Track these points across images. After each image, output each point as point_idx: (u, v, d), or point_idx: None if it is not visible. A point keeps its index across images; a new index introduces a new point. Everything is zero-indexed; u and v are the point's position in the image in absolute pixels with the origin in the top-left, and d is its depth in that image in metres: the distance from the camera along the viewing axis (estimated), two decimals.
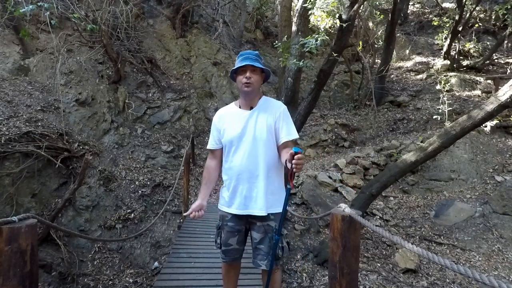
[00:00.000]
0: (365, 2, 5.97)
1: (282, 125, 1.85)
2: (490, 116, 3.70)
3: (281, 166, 1.94)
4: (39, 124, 5.16)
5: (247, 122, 1.85)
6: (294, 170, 1.57)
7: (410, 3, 13.80)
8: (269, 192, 1.84)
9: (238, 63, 1.82)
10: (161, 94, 8.24)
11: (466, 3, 9.56)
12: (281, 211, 1.89)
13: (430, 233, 5.49)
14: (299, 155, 1.54)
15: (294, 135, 1.87)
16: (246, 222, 1.91)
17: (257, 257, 1.90)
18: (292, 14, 7.23)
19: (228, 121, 1.91)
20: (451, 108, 7.87)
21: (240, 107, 1.93)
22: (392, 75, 10.90)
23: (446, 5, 13.13)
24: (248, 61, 1.77)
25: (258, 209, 1.82)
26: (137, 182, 6.00)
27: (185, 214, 1.97)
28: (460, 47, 10.72)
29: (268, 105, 1.91)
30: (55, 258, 4.47)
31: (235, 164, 1.85)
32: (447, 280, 4.41)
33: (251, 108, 1.89)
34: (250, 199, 1.83)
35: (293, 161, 1.54)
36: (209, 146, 2.02)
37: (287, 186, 1.73)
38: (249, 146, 1.82)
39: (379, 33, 11.44)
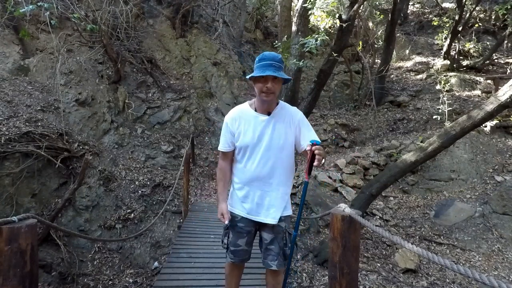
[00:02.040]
0: (365, 2, 5.97)
1: (302, 132, 1.81)
2: (490, 116, 3.70)
3: (294, 174, 1.95)
4: (39, 124, 5.16)
5: (264, 129, 1.78)
6: (315, 163, 1.57)
7: (410, 3, 13.80)
8: (281, 199, 1.83)
9: (259, 70, 1.67)
10: (161, 94, 8.24)
11: (466, 3, 9.56)
12: (290, 214, 1.91)
13: (430, 233, 5.49)
14: (316, 147, 1.54)
15: (317, 139, 1.82)
16: (256, 223, 1.90)
17: (267, 258, 1.89)
18: (292, 14, 7.23)
19: (243, 125, 1.81)
20: (451, 108, 7.87)
21: (255, 110, 1.84)
22: (392, 75, 10.90)
23: (446, 5, 13.13)
24: (271, 71, 1.64)
25: (270, 218, 1.81)
26: (137, 182, 6.00)
27: (227, 222, 1.86)
28: (460, 47, 10.72)
29: (286, 113, 1.84)
30: (55, 258, 4.47)
31: (249, 170, 1.81)
32: (447, 280, 4.41)
33: (269, 113, 1.81)
34: (262, 207, 1.82)
35: (315, 153, 1.55)
36: (221, 148, 1.91)
37: (304, 180, 1.74)
38: (265, 154, 1.78)
39: (379, 33, 11.44)
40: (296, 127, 1.81)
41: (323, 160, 1.58)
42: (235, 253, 1.93)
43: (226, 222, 1.86)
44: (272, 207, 1.81)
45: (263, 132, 1.78)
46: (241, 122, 1.82)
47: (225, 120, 1.89)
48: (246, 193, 1.84)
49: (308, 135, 1.80)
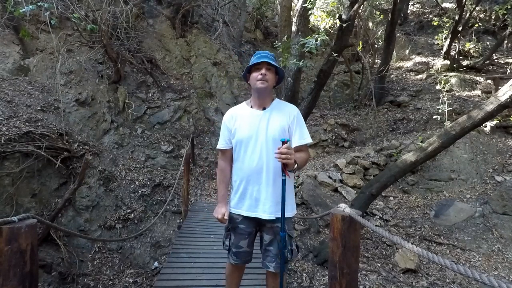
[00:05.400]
0: (365, 2, 5.97)
1: (296, 129, 1.83)
2: (490, 116, 3.70)
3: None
4: (39, 124, 5.16)
5: (260, 122, 1.81)
6: (278, 160, 1.62)
7: (410, 3, 13.80)
8: (279, 195, 1.80)
9: (254, 61, 1.81)
10: (161, 94, 8.24)
11: (466, 3, 9.56)
12: (292, 215, 1.89)
13: (430, 233, 5.49)
14: (285, 145, 1.59)
15: (308, 139, 1.84)
16: (257, 224, 1.89)
17: (266, 259, 1.89)
18: (292, 14, 7.24)
19: (240, 121, 1.86)
20: (451, 108, 7.87)
21: (251, 107, 1.89)
22: (392, 75, 10.90)
23: (446, 5, 13.13)
24: (265, 59, 1.78)
25: (267, 213, 1.79)
26: (137, 182, 6.00)
27: (225, 223, 1.90)
28: (460, 47, 10.72)
29: (281, 107, 1.88)
30: (55, 258, 4.47)
31: (246, 165, 1.82)
32: (447, 280, 4.41)
33: (264, 108, 1.85)
34: (259, 201, 1.80)
35: (276, 152, 1.61)
36: (219, 146, 1.95)
37: (281, 177, 1.74)
38: (261, 147, 1.78)
39: (379, 33, 11.44)
40: (292, 123, 1.83)
41: (287, 160, 1.61)
42: (237, 255, 1.92)
43: (225, 223, 1.89)
44: (269, 202, 1.79)
45: (258, 125, 1.81)
46: (237, 118, 1.88)
47: (223, 119, 1.96)
48: (244, 189, 1.83)
49: (301, 133, 1.83)
